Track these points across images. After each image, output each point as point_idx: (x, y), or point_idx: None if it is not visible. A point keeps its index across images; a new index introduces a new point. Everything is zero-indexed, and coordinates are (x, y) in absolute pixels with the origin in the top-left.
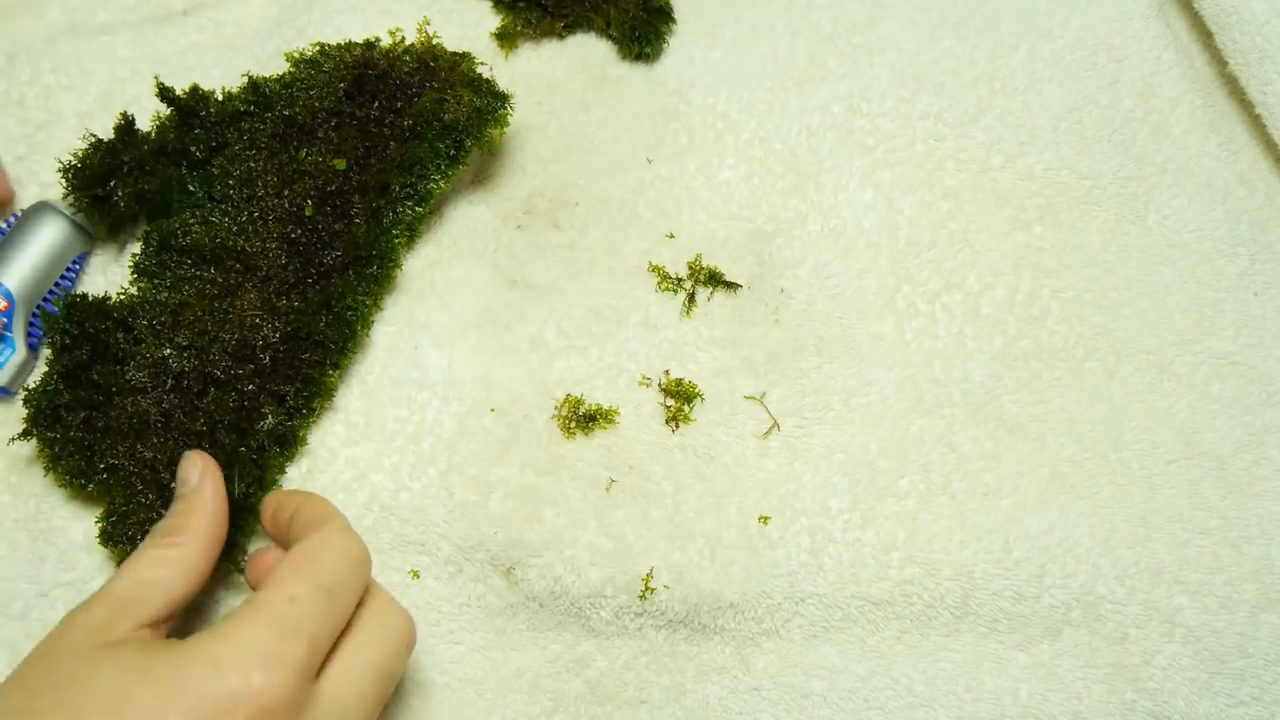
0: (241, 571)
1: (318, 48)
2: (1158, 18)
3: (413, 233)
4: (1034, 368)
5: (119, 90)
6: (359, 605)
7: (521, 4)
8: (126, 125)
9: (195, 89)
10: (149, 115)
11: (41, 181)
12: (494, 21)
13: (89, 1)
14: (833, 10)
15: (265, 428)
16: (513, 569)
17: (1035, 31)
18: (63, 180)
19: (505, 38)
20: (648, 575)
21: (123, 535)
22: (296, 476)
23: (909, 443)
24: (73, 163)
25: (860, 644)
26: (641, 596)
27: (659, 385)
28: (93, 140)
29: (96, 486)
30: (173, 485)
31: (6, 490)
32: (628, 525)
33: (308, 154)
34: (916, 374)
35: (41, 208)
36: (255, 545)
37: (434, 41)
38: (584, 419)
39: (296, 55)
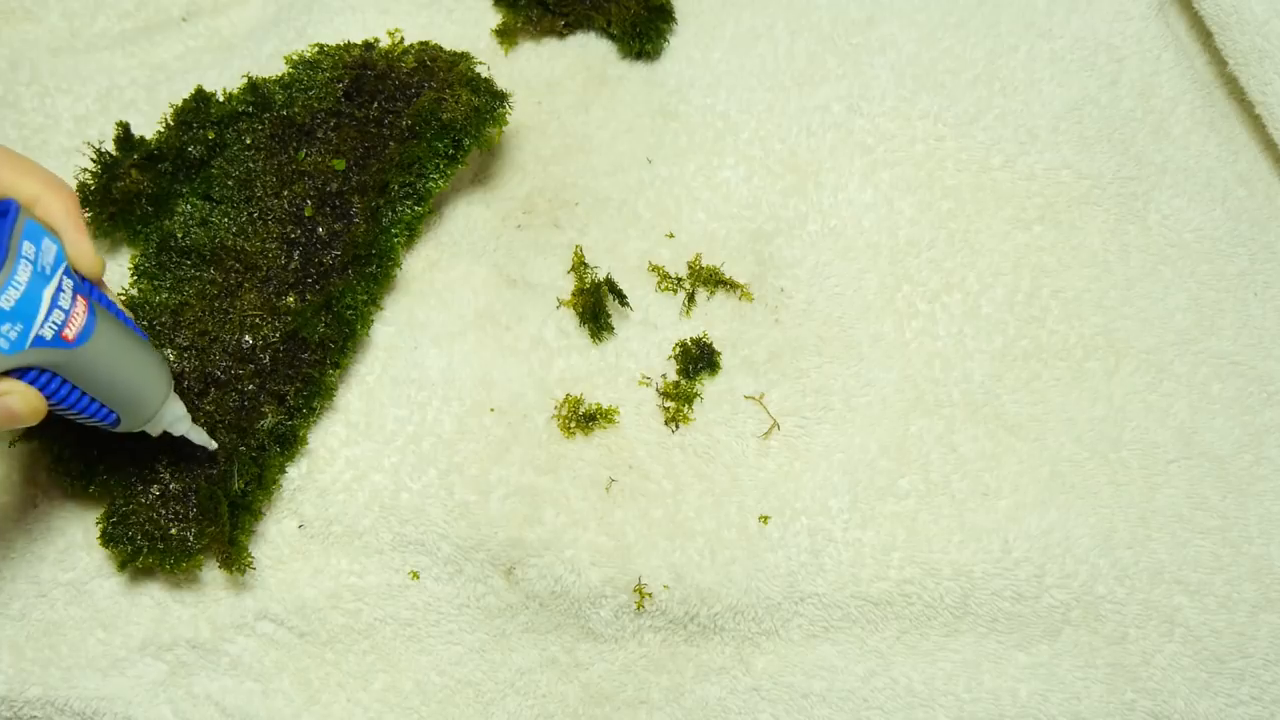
0: (241, 572)
1: (316, 49)
2: (1158, 18)
3: (412, 232)
4: (1034, 368)
5: (117, 95)
6: None
7: (523, 1)
8: (125, 135)
9: (199, 90)
10: (145, 119)
11: None
12: (494, 19)
13: (88, 8)
14: (833, 10)
15: (265, 427)
16: (513, 569)
17: (1035, 31)
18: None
19: (506, 35)
20: (640, 585)
21: (123, 535)
22: (296, 476)
23: (909, 443)
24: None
25: (860, 644)
26: (638, 606)
27: (657, 388)
28: (94, 150)
29: (96, 486)
30: (173, 486)
31: (6, 490)
32: (628, 525)
33: (307, 154)
34: (916, 374)
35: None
36: (254, 547)
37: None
38: (584, 419)
39: (295, 57)
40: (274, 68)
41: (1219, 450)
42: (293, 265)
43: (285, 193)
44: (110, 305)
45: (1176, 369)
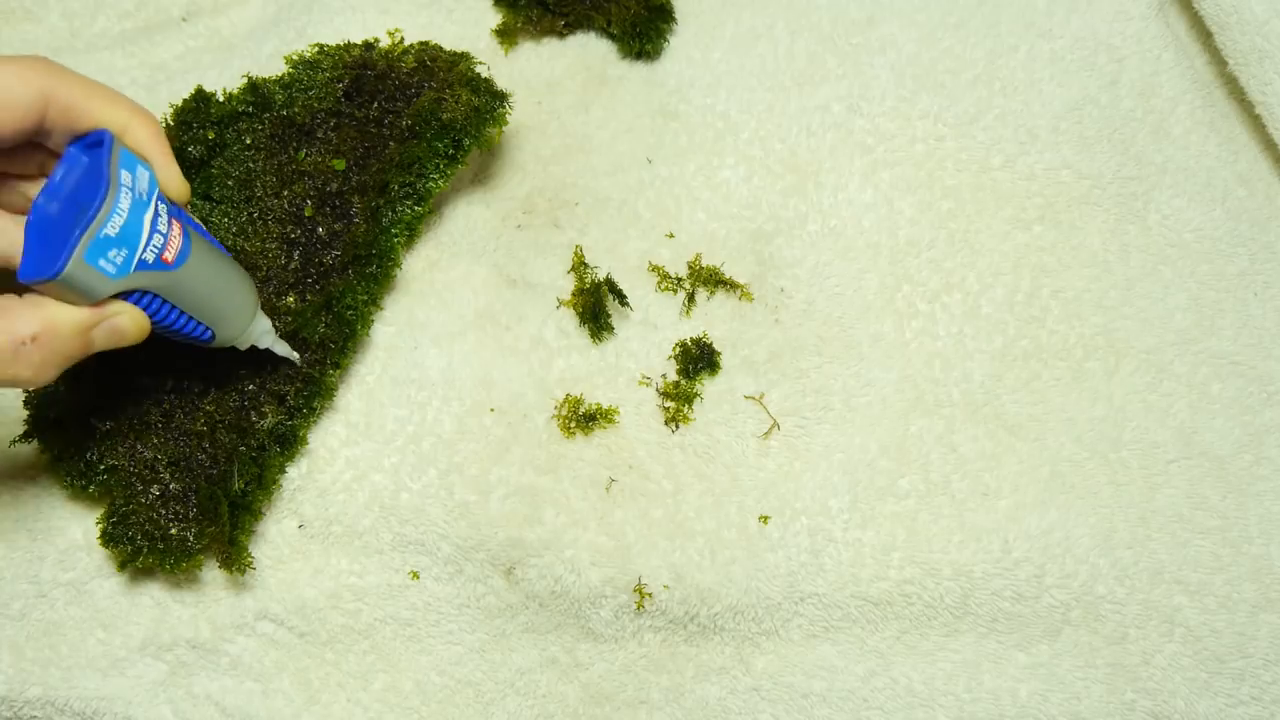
0: (241, 572)
1: (316, 49)
2: (1158, 18)
3: (412, 232)
4: (1034, 368)
5: None
6: None
7: (523, 1)
8: None
9: (199, 90)
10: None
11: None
12: (494, 19)
13: (88, 8)
14: (833, 10)
15: (265, 427)
16: (513, 569)
17: (1035, 31)
18: None
19: (506, 35)
20: (640, 585)
21: (123, 535)
22: (296, 476)
23: (909, 443)
24: None
25: (860, 644)
26: (638, 606)
27: (657, 388)
28: None
29: (96, 486)
30: (173, 486)
31: (6, 490)
32: (628, 525)
33: (307, 154)
34: (916, 374)
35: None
36: (254, 547)
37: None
38: (584, 419)
39: (295, 57)
40: (274, 68)
41: (1219, 450)
42: (293, 265)
43: (285, 193)
44: (198, 228)
45: (1176, 369)
